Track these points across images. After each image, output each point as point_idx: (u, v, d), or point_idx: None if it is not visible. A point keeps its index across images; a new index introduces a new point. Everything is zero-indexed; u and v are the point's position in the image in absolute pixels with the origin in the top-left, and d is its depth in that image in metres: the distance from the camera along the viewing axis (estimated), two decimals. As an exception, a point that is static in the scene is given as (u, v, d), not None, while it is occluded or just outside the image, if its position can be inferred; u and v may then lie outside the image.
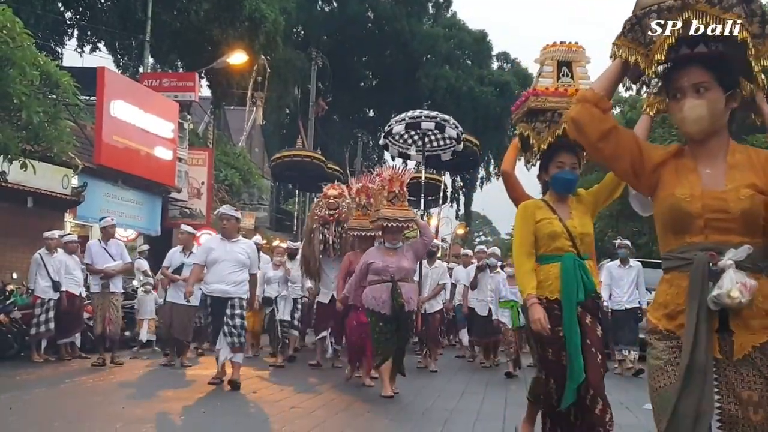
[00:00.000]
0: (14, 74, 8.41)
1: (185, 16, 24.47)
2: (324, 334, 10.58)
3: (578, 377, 4.13)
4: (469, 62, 41.63)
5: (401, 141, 13.95)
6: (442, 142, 13.93)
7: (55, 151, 9.85)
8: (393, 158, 10.09)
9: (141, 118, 17.00)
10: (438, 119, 13.09)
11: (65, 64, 18.35)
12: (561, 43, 4.88)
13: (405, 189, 8.32)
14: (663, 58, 2.65)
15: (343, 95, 38.91)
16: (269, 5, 26.17)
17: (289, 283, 11.26)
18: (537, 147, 4.63)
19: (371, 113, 43.58)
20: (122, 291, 10.93)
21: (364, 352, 8.82)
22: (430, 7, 41.85)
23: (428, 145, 13.85)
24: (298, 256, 11.46)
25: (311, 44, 34.37)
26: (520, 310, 9.71)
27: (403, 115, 13.22)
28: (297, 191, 22.07)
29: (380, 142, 14.49)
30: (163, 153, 18.08)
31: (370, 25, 39.31)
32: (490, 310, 11.27)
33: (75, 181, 14.72)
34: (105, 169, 15.78)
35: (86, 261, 10.67)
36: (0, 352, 10.43)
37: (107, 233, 10.76)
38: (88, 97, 15.63)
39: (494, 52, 42.78)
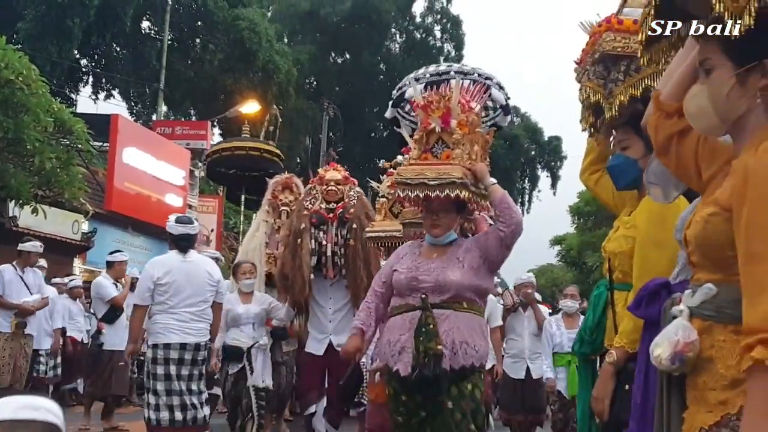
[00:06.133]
0: (28, 120, 8.49)
1: (199, 66, 24.92)
2: (312, 409, 6.17)
3: None
4: (479, 115, 41.98)
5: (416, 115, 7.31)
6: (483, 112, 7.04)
7: (66, 196, 9.94)
8: (399, 148, 5.73)
9: (153, 165, 17.11)
10: (475, 76, 6.76)
11: (79, 110, 18.61)
12: None
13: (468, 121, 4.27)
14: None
15: (354, 145, 39.15)
16: (283, 57, 26.62)
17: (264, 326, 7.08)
18: (608, 115, 2.98)
19: (381, 163, 43.70)
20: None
21: None
22: (441, 60, 42.27)
23: None
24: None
25: (323, 95, 34.72)
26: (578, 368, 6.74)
27: (422, 71, 6.97)
28: (242, 199, 16.45)
29: (386, 114, 6.15)
30: (174, 200, 18.11)
31: (381, 77, 39.69)
32: (528, 369, 7.57)
33: (85, 227, 14.74)
34: (115, 215, 15.81)
35: None
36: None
37: (26, 259, 8.25)
38: (100, 144, 15.77)
39: (505, 106, 43.16)
